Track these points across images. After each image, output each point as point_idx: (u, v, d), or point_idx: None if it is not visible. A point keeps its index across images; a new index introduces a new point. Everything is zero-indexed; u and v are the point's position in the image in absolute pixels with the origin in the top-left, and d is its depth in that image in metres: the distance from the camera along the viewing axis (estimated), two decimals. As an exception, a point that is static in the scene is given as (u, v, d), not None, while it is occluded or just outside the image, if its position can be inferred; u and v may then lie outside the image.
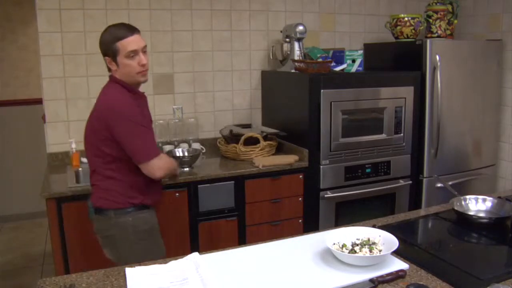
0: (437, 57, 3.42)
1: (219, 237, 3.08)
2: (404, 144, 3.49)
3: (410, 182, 3.55)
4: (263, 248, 1.82)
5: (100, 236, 2.33)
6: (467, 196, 2.17)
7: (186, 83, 3.64)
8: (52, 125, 3.33)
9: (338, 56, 3.58)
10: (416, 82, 3.47)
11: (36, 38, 3.26)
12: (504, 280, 1.50)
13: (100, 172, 2.24)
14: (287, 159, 3.23)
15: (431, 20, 3.76)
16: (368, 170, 3.38)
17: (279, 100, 3.64)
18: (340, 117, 3.23)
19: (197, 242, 3.02)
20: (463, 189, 3.25)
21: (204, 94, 3.70)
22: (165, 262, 1.69)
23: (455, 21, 3.89)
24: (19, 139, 5.11)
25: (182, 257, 1.71)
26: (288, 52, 3.62)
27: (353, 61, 3.59)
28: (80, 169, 3.16)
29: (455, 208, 2.08)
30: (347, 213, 3.33)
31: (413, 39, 3.70)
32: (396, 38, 3.80)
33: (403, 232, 1.92)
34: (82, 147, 3.30)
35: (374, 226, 1.87)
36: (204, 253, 1.77)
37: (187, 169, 3.06)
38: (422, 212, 2.39)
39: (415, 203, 3.59)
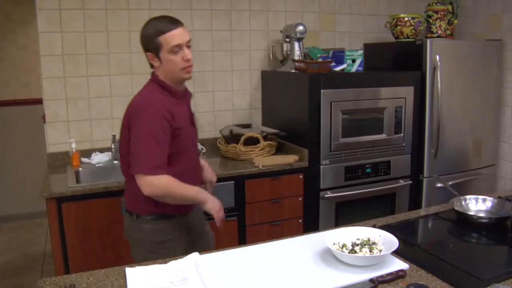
0: (437, 57, 3.42)
1: (219, 237, 3.07)
2: (404, 144, 3.49)
3: (410, 182, 3.55)
4: (263, 248, 1.82)
5: (125, 234, 2.25)
6: (467, 196, 2.17)
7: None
8: (52, 125, 3.33)
9: (338, 56, 3.58)
10: (416, 82, 3.47)
11: (36, 38, 3.26)
12: (504, 280, 1.50)
13: (128, 172, 2.10)
14: (287, 159, 3.23)
15: (431, 20, 3.76)
16: (368, 170, 3.38)
17: (279, 100, 3.64)
18: (340, 117, 3.23)
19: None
20: (463, 189, 3.24)
21: (204, 94, 3.70)
22: (165, 262, 1.69)
23: (455, 21, 3.89)
24: (19, 139, 5.11)
25: (182, 257, 1.71)
26: (288, 52, 3.62)
27: (353, 61, 3.59)
28: (80, 169, 3.17)
29: (455, 208, 2.08)
30: (347, 213, 3.33)
31: (413, 39, 3.70)
32: (396, 38, 3.80)
33: (403, 232, 1.92)
34: (82, 147, 3.34)
35: (374, 226, 1.87)
36: (204, 253, 1.77)
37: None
38: (422, 212, 2.39)
39: (415, 203, 3.59)
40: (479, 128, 3.80)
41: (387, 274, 1.54)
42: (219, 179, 3.03)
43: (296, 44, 3.56)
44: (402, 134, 3.47)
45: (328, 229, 1.90)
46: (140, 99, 2.10)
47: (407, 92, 3.44)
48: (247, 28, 3.78)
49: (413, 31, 3.70)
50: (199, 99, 3.68)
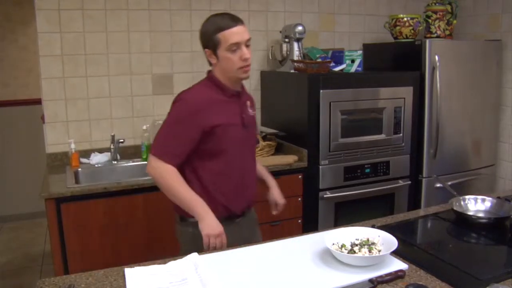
0: (436, 57, 3.42)
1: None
2: (403, 144, 3.49)
3: (409, 182, 3.55)
4: (262, 248, 1.82)
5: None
6: (466, 196, 2.17)
7: (185, 83, 3.62)
8: (51, 125, 3.33)
9: (337, 56, 3.58)
10: (415, 82, 3.47)
11: (36, 38, 3.26)
12: (503, 280, 1.50)
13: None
14: (286, 159, 3.23)
15: (430, 20, 3.77)
16: (367, 170, 3.38)
17: (278, 100, 3.64)
18: (339, 117, 3.23)
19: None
20: (463, 189, 3.24)
21: (203, 94, 3.70)
22: (164, 263, 1.69)
23: (454, 21, 3.89)
24: (18, 139, 5.11)
25: (181, 257, 1.71)
26: (287, 53, 3.62)
27: (352, 61, 3.59)
28: (79, 169, 3.17)
29: (454, 208, 2.08)
30: (346, 213, 3.33)
31: (412, 39, 3.71)
32: (395, 38, 3.81)
33: (402, 232, 1.92)
34: (81, 147, 3.34)
35: (373, 226, 1.87)
36: (203, 253, 1.77)
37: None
38: (421, 212, 2.40)
39: (414, 203, 3.59)
40: (479, 128, 3.80)
41: (386, 274, 1.54)
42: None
43: (295, 44, 3.56)
44: (401, 134, 3.47)
45: (327, 229, 1.90)
46: (184, 92, 2.09)
47: (406, 92, 3.44)
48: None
49: (412, 31, 3.70)
50: (198, 99, 3.68)
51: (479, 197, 2.17)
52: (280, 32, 3.71)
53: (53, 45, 3.25)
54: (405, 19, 3.69)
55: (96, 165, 3.24)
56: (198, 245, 1.93)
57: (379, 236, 1.72)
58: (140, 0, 3.42)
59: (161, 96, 3.57)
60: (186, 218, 2.08)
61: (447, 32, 3.82)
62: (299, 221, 3.30)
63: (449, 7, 3.86)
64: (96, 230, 2.79)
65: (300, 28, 3.53)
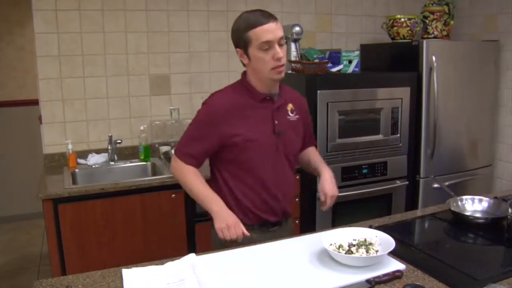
0: (434, 58, 3.42)
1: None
2: (400, 144, 3.50)
3: (407, 182, 3.55)
4: (259, 248, 1.82)
5: None
6: (464, 197, 2.17)
7: (182, 84, 3.64)
8: (49, 126, 3.32)
9: (335, 57, 3.58)
10: (412, 83, 3.48)
11: (33, 38, 3.26)
12: (501, 280, 1.50)
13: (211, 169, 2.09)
14: (284, 160, 3.22)
15: (427, 21, 3.77)
16: (364, 171, 3.38)
17: (276, 100, 3.64)
18: (336, 118, 3.23)
19: (194, 243, 3.02)
20: (460, 190, 3.24)
21: (200, 95, 3.69)
22: (162, 263, 1.68)
23: (452, 22, 3.90)
24: (15, 140, 5.10)
25: (178, 258, 1.71)
26: (285, 53, 3.61)
27: (350, 62, 3.59)
28: (77, 170, 3.16)
29: (452, 209, 2.08)
30: (344, 214, 3.33)
31: (409, 40, 3.71)
32: (393, 39, 3.81)
33: (400, 232, 1.92)
34: (78, 148, 3.33)
35: (370, 227, 1.87)
36: (201, 254, 1.77)
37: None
38: (418, 212, 2.40)
39: (411, 204, 3.60)
40: (476, 129, 3.81)
41: (384, 275, 1.54)
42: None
43: (293, 45, 3.57)
44: (398, 135, 3.47)
45: (325, 230, 1.90)
46: (212, 94, 2.01)
47: (403, 93, 3.45)
48: (244, 29, 3.77)
49: (410, 32, 3.71)
50: (195, 100, 3.68)
51: (476, 197, 2.17)
52: (278, 32, 3.70)
53: (50, 45, 3.24)
54: (402, 19, 3.70)
55: (94, 166, 3.24)
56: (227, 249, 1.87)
57: (376, 236, 1.72)
58: (137, 0, 3.42)
59: (159, 96, 3.57)
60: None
61: (444, 33, 3.83)
62: (297, 221, 3.29)
63: (446, 8, 3.86)
64: (94, 231, 2.78)
65: (297, 28, 3.54)
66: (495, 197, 2.20)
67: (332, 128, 3.22)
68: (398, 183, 3.52)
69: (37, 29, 3.20)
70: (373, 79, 3.41)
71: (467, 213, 2.08)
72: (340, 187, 3.27)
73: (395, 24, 3.72)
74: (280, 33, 1.85)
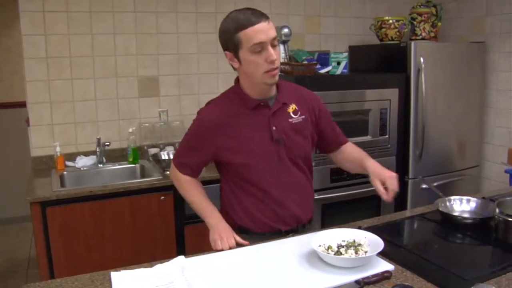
0: (422, 59, 3.45)
1: (206, 241, 3.06)
2: (389, 145, 3.51)
3: (396, 183, 3.56)
4: (248, 250, 1.82)
5: None
6: (452, 197, 2.18)
7: (171, 85, 3.63)
8: (36, 128, 3.30)
9: (323, 58, 3.59)
10: (401, 84, 3.50)
11: (20, 40, 3.23)
12: (488, 280, 1.51)
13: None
14: (273, 162, 3.22)
15: (415, 23, 3.79)
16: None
17: (265, 102, 3.64)
18: (325, 119, 3.23)
19: (183, 246, 3.01)
20: (448, 190, 3.25)
21: (189, 97, 3.69)
22: (151, 266, 1.68)
23: (439, 24, 3.93)
24: (3, 142, 5.06)
25: (168, 261, 1.70)
26: (274, 55, 3.62)
27: (338, 63, 3.60)
28: (65, 172, 3.14)
29: (440, 209, 2.09)
30: (333, 215, 3.34)
31: (397, 42, 3.73)
32: (381, 40, 3.83)
33: (389, 233, 1.93)
34: (66, 150, 3.31)
35: (359, 228, 1.87)
36: (190, 256, 1.76)
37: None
38: (407, 213, 2.41)
39: (400, 205, 3.61)
40: (463, 130, 3.84)
41: (373, 275, 1.54)
42: (205, 182, 3.02)
43: (282, 47, 3.57)
44: (387, 136, 3.49)
45: (313, 231, 1.90)
46: (206, 104, 1.97)
47: (392, 94, 3.47)
48: (233, 30, 3.77)
49: (398, 33, 3.73)
50: (184, 102, 3.67)
51: (464, 197, 2.18)
52: (266, 34, 3.71)
53: (38, 47, 3.22)
54: (391, 21, 3.72)
55: (82, 169, 3.22)
56: None
57: (365, 237, 1.72)
58: (125, 2, 3.41)
59: (147, 98, 3.56)
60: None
61: (432, 34, 3.86)
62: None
63: (434, 10, 3.89)
64: (82, 234, 2.77)
65: (286, 30, 3.55)
66: (483, 198, 2.21)
67: (321, 130, 3.22)
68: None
69: (24, 30, 3.18)
70: (362, 81, 3.42)
71: (455, 214, 2.09)
72: (329, 188, 3.33)
73: (383, 25, 3.74)
74: (273, 33, 1.72)
